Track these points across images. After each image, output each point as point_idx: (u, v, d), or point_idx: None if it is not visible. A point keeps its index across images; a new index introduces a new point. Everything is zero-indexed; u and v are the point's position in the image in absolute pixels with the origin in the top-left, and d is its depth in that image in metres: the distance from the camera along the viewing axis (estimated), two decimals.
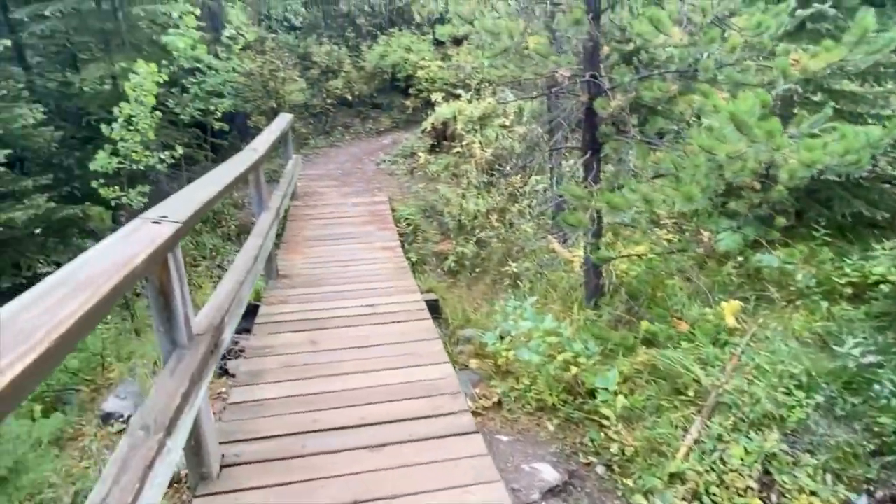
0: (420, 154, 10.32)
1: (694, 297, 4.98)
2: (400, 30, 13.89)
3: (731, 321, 4.28)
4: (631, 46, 4.95)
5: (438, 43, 13.98)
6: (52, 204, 6.49)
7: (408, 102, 13.39)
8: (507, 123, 9.64)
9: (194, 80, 7.79)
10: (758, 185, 3.74)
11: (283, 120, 8.10)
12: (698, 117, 4.15)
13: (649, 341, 4.38)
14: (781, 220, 3.97)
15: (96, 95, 7.87)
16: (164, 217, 2.13)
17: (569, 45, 4.32)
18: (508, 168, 9.12)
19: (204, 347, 2.20)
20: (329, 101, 12.95)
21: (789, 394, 3.35)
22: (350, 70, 13.34)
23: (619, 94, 3.88)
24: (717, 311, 4.40)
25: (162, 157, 6.40)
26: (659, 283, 5.15)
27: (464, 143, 9.74)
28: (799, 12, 5.19)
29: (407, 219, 8.43)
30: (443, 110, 10.31)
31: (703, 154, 2.82)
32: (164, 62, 6.71)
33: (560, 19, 4.89)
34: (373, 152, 11.94)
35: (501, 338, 4.34)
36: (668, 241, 5.18)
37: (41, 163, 7.81)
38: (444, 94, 11.03)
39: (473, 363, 4.54)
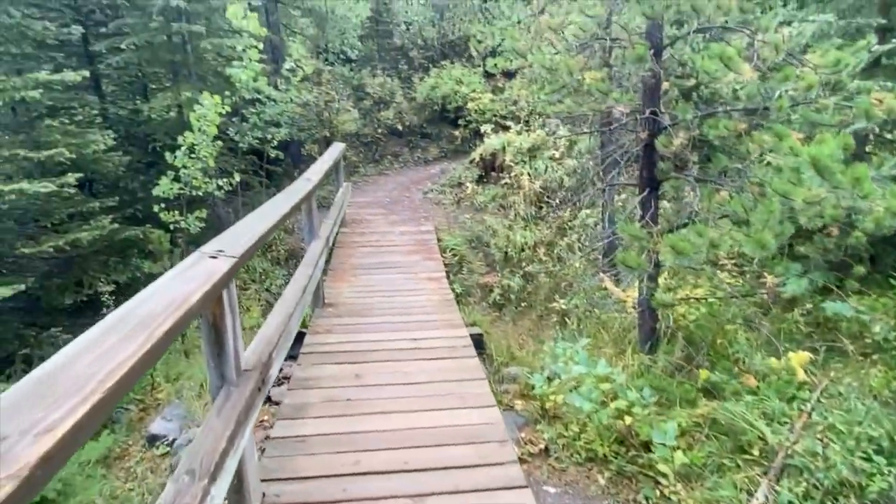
0: (467, 184, 10.33)
1: (757, 345, 4.67)
2: (451, 62, 14.15)
3: (799, 374, 3.96)
4: (691, 82, 4.81)
5: (489, 75, 14.13)
6: (116, 225, 6.81)
7: (456, 133, 13.53)
8: (557, 156, 9.55)
9: (254, 111, 8.12)
10: (836, 231, 3.49)
11: (336, 149, 8.30)
12: (762, 156, 3.94)
13: (708, 391, 4.10)
14: (860, 269, 3.67)
15: (163, 123, 8.31)
16: (221, 251, 2.14)
17: (627, 81, 4.22)
18: (557, 201, 8.98)
19: (251, 385, 2.17)
20: (380, 130, 13.25)
21: (868, 459, 3.03)
22: (401, 101, 13.63)
23: (682, 131, 3.73)
24: (784, 362, 4.09)
25: (220, 183, 6.63)
26: (719, 328, 4.86)
27: (512, 174, 9.69)
28: (875, 48, 4.93)
29: (453, 249, 8.39)
30: (492, 141, 10.33)
31: (778, 198, 2.63)
32: (226, 93, 7.03)
33: (618, 54, 4.81)
34: (420, 181, 12.05)
35: (549, 380, 4.17)
36: (730, 283, 4.91)
37: (108, 185, 8.26)
38: (493, 126, 11.07)
39: (519, 404, 4.38)
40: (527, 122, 12.31)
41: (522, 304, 7.52)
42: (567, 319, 6.62)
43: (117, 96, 9.57)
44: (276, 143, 8.75)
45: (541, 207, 9.28)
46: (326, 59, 13.00)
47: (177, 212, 6.51)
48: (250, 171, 9.46)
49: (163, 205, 6.49)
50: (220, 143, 6.67)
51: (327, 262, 7.16)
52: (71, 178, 6.00)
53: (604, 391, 3.73)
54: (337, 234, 8.18)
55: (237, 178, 7.07)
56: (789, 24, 5.99)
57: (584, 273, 7.21)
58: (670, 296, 3.60)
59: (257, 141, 8.29)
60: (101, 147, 6.87)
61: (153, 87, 9.37)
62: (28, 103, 6.07)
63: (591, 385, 3.72)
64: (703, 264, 3.35)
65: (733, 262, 6.27)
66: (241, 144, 8.13)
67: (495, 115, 13.17)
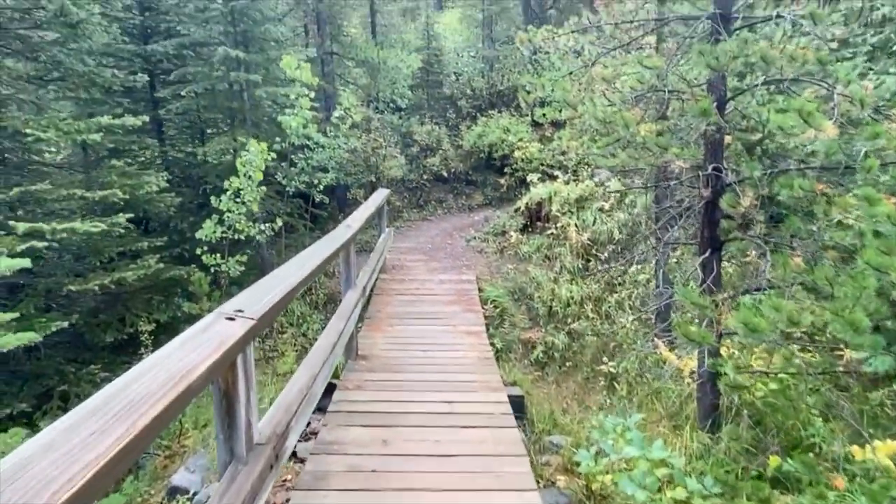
0: (512, 233, 10.12)
1: (837, 429, 4.12)
2: (499, 112, 14.25)
3: (886, 465, 3.42)
4: (756, 136, 4.50)
5: (537, 125, 14.12)
6: (162, 265, 6.93)
7: (502, 181, 13.46)
8: (607, 207, 9.25)
9: (303, 156, 8.28)
10: None
11: (380, 195, 8.31)
12: (835, 218, 3.56)
13: (779, 481, 3.60)
14: None
15: (216, 166, 8.59)
16: (240, 312, 1.98)
17: (687, 135, 3.96)
18: (606, 255, 8.62)
19: (262, 462, 1.96)
20: (425, 176, 13.35)
21: None
22: (448, 148, 13.75)
23: (749, 189, 3.42)
24: (869, 450, 3.55)
25: (262, 227, 6.67)
26: (792, 407, 4.34)
27: (559, 224, 9.43)
28: None
29: (494, 301, 8.10)
30: (538, 190, 10.15)
31: (871, 271, 2.29)
32: (277, 139, 7.20)
33: (676, 107, 4.58)
34: (464, 228, 11.94)
35: (597, 456, 3.77)
36: (803, 356, 4.41)
37: (160, 224, 8.52)
38: (540, 175, 10.92)
39: (561, 481, 3.98)
40: (574, 172, 12.12)
41: (567, 364, 7.10)
42: (616, 384, 6.16)
43: (176, 140, 10.03)
44: (322, 187, 8.85)
45: (588, 261, 8.93)
46: (377, 108, 13.34)
47: (219, 254, 6.58)
48: (296, 213, 9.59)
49: (206, 247, 6.58)
50: (264, 188, 6.77)
51: (365, 307, 7.04)
52: (122, 217, 6.17)
53: (659, 477, 3.32)
54: (376, 280, 8.07)
55: (280, 222, 7.13)
56: (864, 76, 5.63)
57: (636, 334, 6.77)
58: (743, 377, 3.20)
59: (304, 185, 8.42)
60: (154, 188, 7.10)
61: (210, 131, 9.78)
62: (90, 145, 6.34)
63: (645, 469, 3.32)
64: (777, 341, 2.97)
65: (804, 330, 5.72)
66: (287, 188, 8.26)
67: (542, 164, 13.06)
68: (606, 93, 4.32)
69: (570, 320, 7.89)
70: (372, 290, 7.78)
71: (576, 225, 9.33)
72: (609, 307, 7.92)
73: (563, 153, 12.10)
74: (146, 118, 7.36)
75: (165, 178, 7.42)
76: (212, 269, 6.72)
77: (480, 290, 8.27)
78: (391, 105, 13.79)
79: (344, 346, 4.23)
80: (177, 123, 10.08)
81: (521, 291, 8.58)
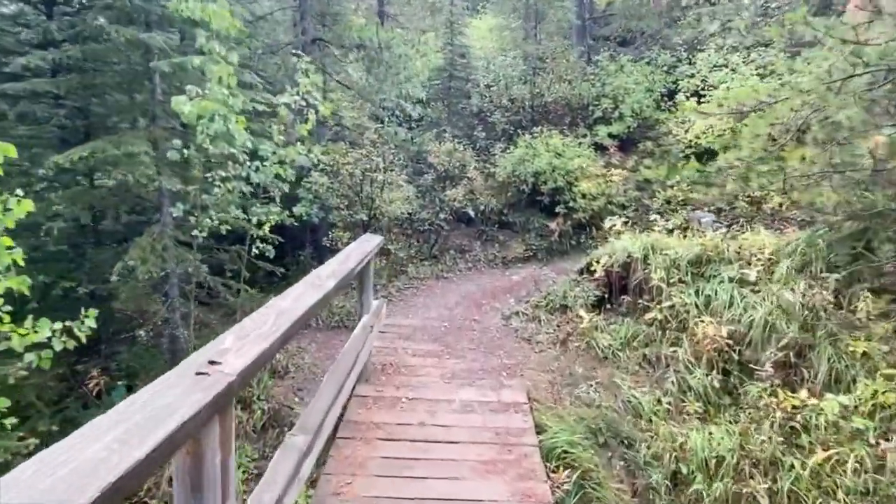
0: (580, 311, 6.54)
1: None
2: (548, 130, 10.88)
3: None
4: None
5: (599, 147, 10.73)
6: None
7: (552, 225, 9.97)
8: (752, 277, 5.66)
9: (224, 173, 4.86)
10: None
11: (365, 245, 4.89)
12: None
13: None
14: None
15: None
16: None
17: None
18: (769, 366, 4.98)
19: None
20: (442, 215, 9.87)
21: None
22: (475, 177, 10.35)
23: None
24: None
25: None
26: None
27: (666, 304, 5.87)
28: None
29: (564, 454, 4.49)
30: (623, 242, 6.62)
31: None
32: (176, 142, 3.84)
33: None
34: (497, 294, 8.40)
35: None
36: None
37: None
38: (623, 219, 7.41)
39: None
40: (660, 213, 8.66)
41: None
42: None
43: None
44: (267, 228, 5.44)
45: (728, 374, 5.30)
46: (377, 117, 10.07)
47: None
48: (230, 267, 6.18)
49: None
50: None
51: (321, 462, 3.61)
52: None
53: None
54: (347, 402, 4.61)
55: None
56: None
57: None
58: None
59: (226, 226, 5.00)
60: None
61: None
62: None
63: None
64: None
65: None
66: (198, 231, 4.85)
67: (609, 202, 9.59)
68: None
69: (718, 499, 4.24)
70: (335, 432, 4.25)
71: (697, 306, 5.74)
72: (792, 477, 4.25)
73: (649, 185, 8.67)
74: None
75: None
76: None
77: (537, 425, 4.69)
78: (397, 114, 10.52)
79: None
80: None
81: (610, 429, 4.95)
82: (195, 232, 4.81)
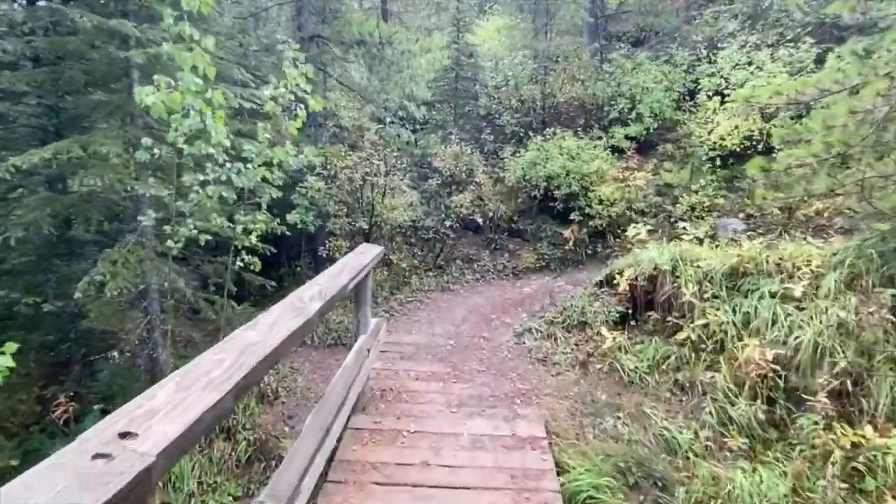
0: (602, 329, 5.95)
1: None
2: (562, 132, 10.29)
3: None
4: None
5: (616, 150, 10.14)
6: None
7: (566, 233, 9.38)
8: (797, 293, 5.05)
9: (203, 176, 4.30)
10: None
11: (363, 257, 4.34)
12: None
13: None
14: None
15: None
16: None
17: None
18: (824, 395, 4.37)
19: None
20: (448, 222, 9.30)
21: None
22: (483, 181, 9.78)
23: None
24: None
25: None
26: None
27: (699, 321, 5.27)
28: None
29: (589, 500, 3.91)
30: (650, 253, 6.03)
31: None
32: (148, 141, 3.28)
33: None
34: (508, 308, 7.81)
35: None
36: None
37: None
38: (648, 226, 6.81)
39: None
40: (684, 221, 8.06)
41: None
42: None
43: None
44: (254, 237, 4.90)
45: (772, 402, 4.69)
46: (377, 117, 9.52)
47: None
48: (215, 282, 5.62)
49: None
50: None
51: None
52: None
53: None
54: (341, 435, 4.05)
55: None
56: None
57: None
58: None
59: (206, 235, 4.44)
60: None
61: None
62: None
63: None
64: None
65: None
66: (173, 241, 4.30)
67: (629, 209, 8.99)
68: None
69: None
70: (328, 468, 3.69)
71: (735, 324, 5.13)
72: None
73: (668, 190, 8.08)
74: None
75: None
76: None
77: (558, 464, 4.12)
78: (400, 116, 9.98)
79: None
80: None
81: (640, 468, 4.34)
82: (169, 242, 4.26)
